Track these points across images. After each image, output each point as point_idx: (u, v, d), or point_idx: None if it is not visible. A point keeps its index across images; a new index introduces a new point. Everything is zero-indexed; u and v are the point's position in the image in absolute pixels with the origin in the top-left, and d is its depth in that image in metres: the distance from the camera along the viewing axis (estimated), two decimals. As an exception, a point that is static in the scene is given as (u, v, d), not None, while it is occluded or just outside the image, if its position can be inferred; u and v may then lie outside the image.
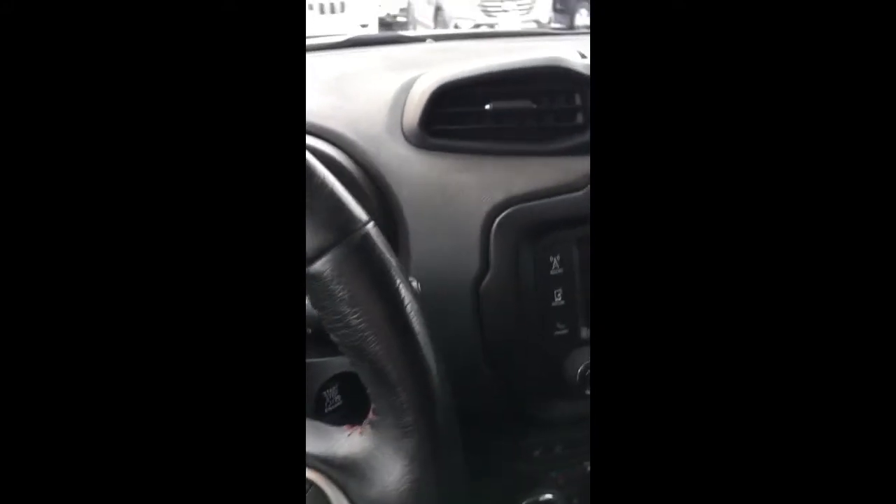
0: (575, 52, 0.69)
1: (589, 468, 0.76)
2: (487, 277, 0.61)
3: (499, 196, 0.61)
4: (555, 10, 6.26)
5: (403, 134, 0.65)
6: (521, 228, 0.60)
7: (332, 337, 0.33)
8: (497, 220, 0.60)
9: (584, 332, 0.64)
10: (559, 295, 0.62)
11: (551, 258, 0.61)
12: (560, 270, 0.62)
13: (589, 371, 0.62)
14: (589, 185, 0.62)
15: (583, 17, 5.99)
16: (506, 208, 0.60)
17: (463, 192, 0.61)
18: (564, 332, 0.63)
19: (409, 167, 0.63)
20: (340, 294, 0.32)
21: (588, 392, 0.62)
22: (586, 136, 0.64)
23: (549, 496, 0.74)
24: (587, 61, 0.65)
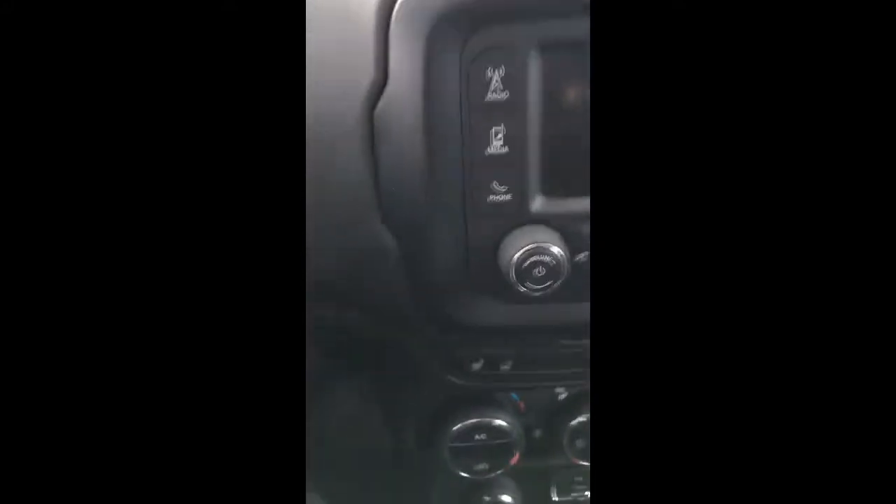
0: None
1: (561, 395, 0.55)
2: (384, 95, 0.38)
3: None
4: None
5: None
6: (440, 15, 0.36)
7: None
8: None
9: (537, 203, 0.40)
10: (500, 136, 0.38)
11: (490, 72, 0.37)
12: (504, 94, 0.38)
13: (531, 260, 0.39)
14: None
15: None
16: None
17: None
18: (505, 196, 0.40)
19: None
20: None
21: (526, 289, 0.40)
22: None
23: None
24: None
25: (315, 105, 0.39)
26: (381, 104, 0.38)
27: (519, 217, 0.40)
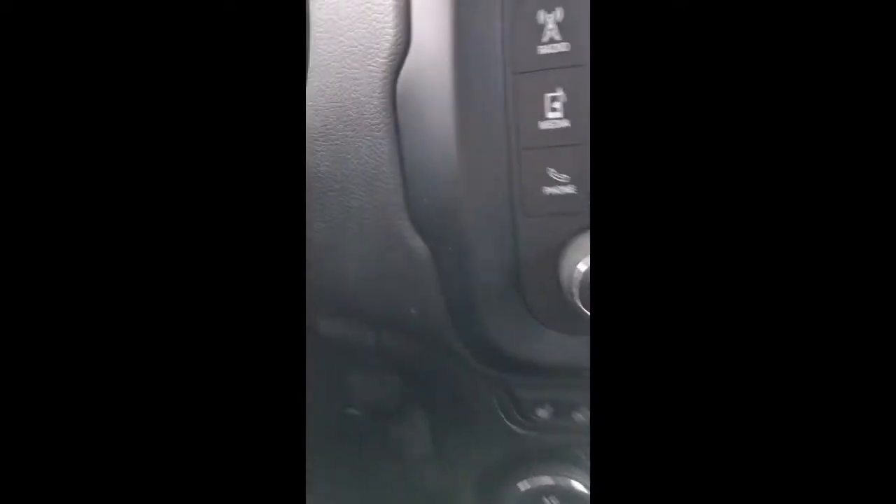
0: None
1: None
2: (409, 58, 0.30)
3: None
4: None
5: None
6: None
7: None
8: None
9: (611, 195, 0.29)
10: (557, 105, 0.28)
11: (542, 17, 0.28)
12: (563, 46, 0.28)
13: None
14: None
15: None
16: None
17: None
18: (566, 187, 0.30)
19: None
20: None
21: (587, 311, 0.29)
22: None
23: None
24: None
25: (321, 80, 0.32)
26: (403, 70, 0.30)
27: (585, 215, 0.30)
